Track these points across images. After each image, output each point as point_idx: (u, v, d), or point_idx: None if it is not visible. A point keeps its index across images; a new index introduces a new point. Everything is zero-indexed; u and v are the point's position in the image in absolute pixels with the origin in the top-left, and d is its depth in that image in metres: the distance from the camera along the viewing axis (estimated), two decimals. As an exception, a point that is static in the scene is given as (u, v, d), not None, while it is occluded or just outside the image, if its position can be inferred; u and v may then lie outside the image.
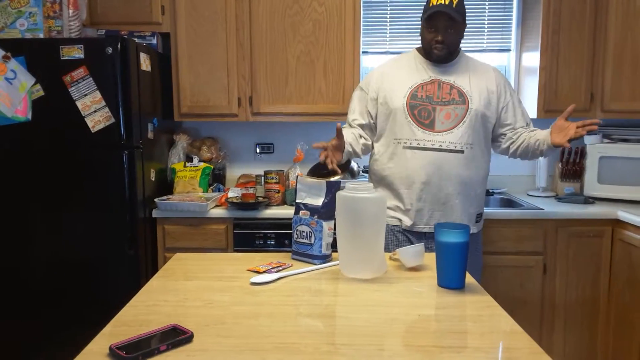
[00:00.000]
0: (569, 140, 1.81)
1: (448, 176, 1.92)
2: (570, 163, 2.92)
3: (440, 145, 1.92)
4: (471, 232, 1.82)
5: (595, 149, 2.77)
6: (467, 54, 2.07)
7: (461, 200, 1.96)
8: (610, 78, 2.68)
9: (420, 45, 2.02)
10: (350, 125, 2.09)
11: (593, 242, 2.48)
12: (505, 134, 2.03)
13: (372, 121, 2.04)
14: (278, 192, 2.65)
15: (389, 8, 3.05)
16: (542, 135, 1.94)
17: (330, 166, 1.85)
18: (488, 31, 3.07)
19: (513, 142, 2.02)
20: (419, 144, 1.93)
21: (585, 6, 2.66)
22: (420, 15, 1.97)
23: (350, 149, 1.98)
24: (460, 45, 2.02)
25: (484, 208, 2.13)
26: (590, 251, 2.48)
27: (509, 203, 2.84)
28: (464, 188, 1.95)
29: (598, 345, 2.53)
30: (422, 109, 1.94)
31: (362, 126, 2.06)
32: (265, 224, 2.52)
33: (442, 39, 1.90)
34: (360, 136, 2.05)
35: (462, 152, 1.93)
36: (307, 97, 2.74)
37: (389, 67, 2.07)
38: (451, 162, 1.92)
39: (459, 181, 1.94)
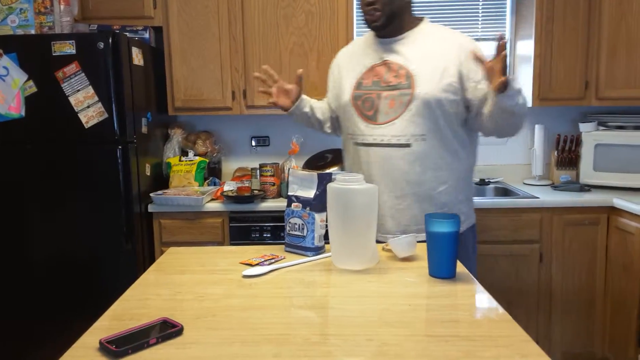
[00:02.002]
0: (503, 74, 1.45)
1: (393, 175, 1.66)
2: (566, 151, 2.92)
3: (382, 140, 1.66)
4: None
5: (591, 136, 2.77)
6: (433, 24, 1.76)
7: (415, 201, 1.68)
8: (604, 65, 2.67)
9: None
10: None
11: (589, 230, 2.49)
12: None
13: (330, 114, 1.92)
14: (274, 184, 2.65)
15: (382, -2, 3.03)
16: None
17: (267, 101, 1.77)
18: (482, 20, 3.06)
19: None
20: (364, 139, 1.70)
21: (579, -7, 2.65)
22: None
23: (309, 110, 1.86)
24: (421, 17, 1.75)
25: (473, 199, 1.84)
26: (586, 239, 2.49)
27: (504, 192, 2.85)
28: (417, 188, 1.67)
29: (595, 333, 2.54)
30: (366, 99, 1.70)
31: (324, 106, 1.93)
32: (261, 216, 2.52)
33: (372, 0, 1.62)
34: (319, 107, 1.91)
35: (408, 145, 1.64)
36: (301, 89, 2.73)
37: (345, 53, 1.88)
38: (396, 158, 1.66)
39: (407, 180, 1.66)
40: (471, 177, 1.80)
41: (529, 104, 2.73)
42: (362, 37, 1.85)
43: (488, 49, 3.06)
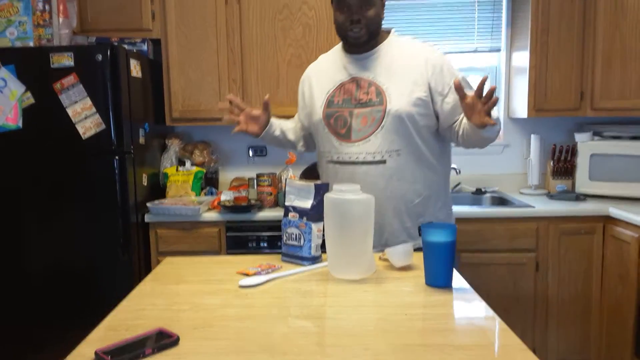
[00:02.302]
0: (488, 114, 1.46)
1: (371, 192, 1.51)
2: (562, 161, 2.94)
3: (357, 158, 1.65)
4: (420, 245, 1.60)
5: (587, 146, 2.79)
6: (400, 36, 1.76)
7: (394, 216, 1.67)
8: (599, 76, 2.70)
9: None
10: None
11: (585, 239, 2.50)
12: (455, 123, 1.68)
13: (302, 132, 1.91)
14: (271, 194, 2.65)
15: (378, 10, 3.05)
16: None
17: (235, 129, 1.73)
18: (478, 32, 3.09)
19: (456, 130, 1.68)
20: (338, 157, 1.69)
21: (573, 5, 2.68)
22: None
23: (279, 134, 1.85)
24: (389, 29, 1.74)
25: (452, 207, 1.83)
26: (582, 248, 2.50)
27: (501, 201, 2.86)
28: (394, 202, 1.66)
29: (591, 341, 2.54)
30: (338, 117, 1.69)
31: (293, 125, 1.92)
32: (258, 226, 2.52)
33: (358, 17, 1.60)
34: (287, 128, 1.90)
35: (383, 162, 1.64)
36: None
37: (313, 70, 1.86)
38: (373, 176, 1.64)
39: (386, 196, 1.64)
40: (447, 186, 1.82)
41: (524, 114, 2.75)
42: (330, 53, 1.84)
43: (483, 60, 3.11)
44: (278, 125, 1.87)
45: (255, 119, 1.77)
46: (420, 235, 1.62)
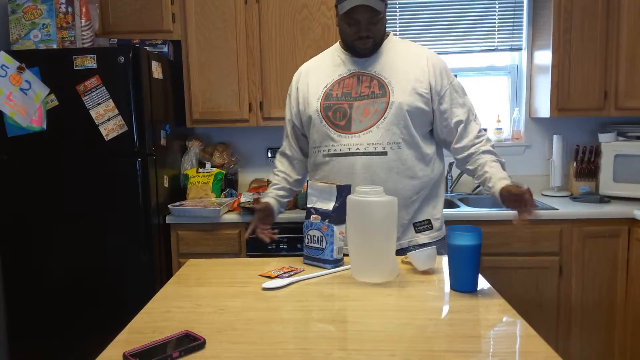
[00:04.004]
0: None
1: (367, 184, 1.61)
2: (585, 162, 2.89)
3: (358, 149, 1.65)
4: (416, 243, 1.71)
5: (611, 147, 2.74)
6: (399, 38, 1.80)
7: None
8: (624, 75, 2.64)
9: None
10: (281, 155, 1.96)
11: (609, 242, 2.45)
12: (451, 132, 1.72)
13: (298, 144, 1.91)
14: (290, 196, 2.65)
15: (397, 10, 3.04)
16: (492, 180, 1.65)
17: (267, 240, 1.77)
18: (499, 30, 3.05)
19: (468, 162, 1.72)
20: (336, 149, 1.68)
21: (597, 3, 2.63)
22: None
23: (285, 193, 1.89)
24: (386, 30, 1.77)
25: (441, 211, 1.81)
26: (606, 251, 2.45)
27: (523, 203, 2.81)
28: (393, 195, 1.56)
29: (616, 348, 2.49)
30: (337, 109, 1.69)
31: (288, 157, 1.93)
32: (278, 228, 2.50)
33: (366, 34, 1.64)
34: (286, 180, 1.91)
35: (384, 153, 1.65)
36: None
37: (308, 67, 1.86)
38: (373, 167, 1.65)
39: (385, 189, 1.54)
40: (442, 185, 1.82)
41: (547, 114, 2.71)
42: (327, 52, 1.85)
43: (504, 59, 3.07)
44: (277, 200, 1.87)
45: (263, 220, 1.83)
46: (416, 232, 1.74)
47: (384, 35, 1.74)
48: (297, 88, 1.84)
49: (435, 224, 1.78)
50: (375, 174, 1.65)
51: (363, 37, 1.65)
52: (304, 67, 1.87)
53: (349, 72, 1.73)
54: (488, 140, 1.74)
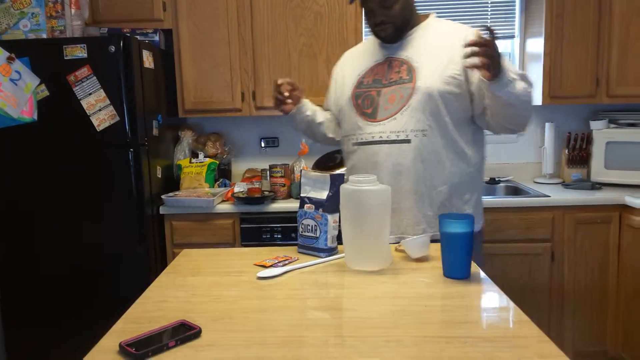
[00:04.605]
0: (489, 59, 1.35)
1: (394, 173, 1.58)
2: (577, 149, 2.91)
3: (381, 137, 1.59)
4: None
5: (602, 134, 2.76)
6: (440, 19, 1.71)
7: (416, 201, 1.60)
8: (615, 62, 2.66)
9: None
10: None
11: (601, 228, 2.48)
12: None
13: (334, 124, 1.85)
14: (284, 185, 2.65)
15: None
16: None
17: (285, 93, 1.69)
18: (492, 18, 3.05)
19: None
20: (362, 138, 1.64)
21: (589, -10, 2.64)
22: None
23: (311, 113, 1.79)
24: (427, 13, 1.70)
25: (482, 198, 1.71)
26: (598, 237, 2.48)
27: (515, 191, 2.84)
28: (417, 186, 1.59)
29: (608, 332, 2.53)
30: (366, 96, 1.65)
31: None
32: (272, 217, 2.53)
33: (380, 19, 1.60)
34: (321, 113, 1.83)
35: (408, 141, 1.57)
36: (310, 90, 2.73)
37: (348, 56, 1.84)
38: (396, 156, 1.58)
39: (408, 178, 1.59)
40: (479, 178, 1.69)
41: (539, 102, 2.71)
42: (370, 37, 1.79)
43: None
44: (310, 106, 1.81)
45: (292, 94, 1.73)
46: None
47: (410, 19, 1.64)
48: (336, 77, 1.82)
49: None
50: (399, 162, 1.58)
51: (378, 23, 1.61)
52: (345, 55, 1.85)
53: (384, 57, 1.67)
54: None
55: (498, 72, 1.38)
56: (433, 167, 1.58)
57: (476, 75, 1.53)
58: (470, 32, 1.58)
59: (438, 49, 1.59)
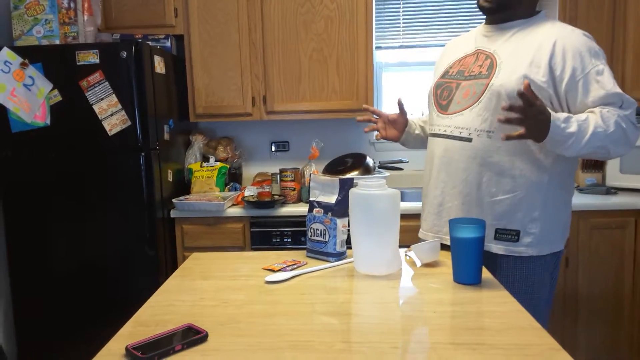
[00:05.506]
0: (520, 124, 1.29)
1: (449, 170, 1.52)
2: (591, 154, 2.86)
3: (445, 131, 1.53)
4: (488, 250, 1.45)
5: (617, 138, 2.71)
6: (545, 19, 1.52)
7: (459, 205, 1.51)
8: (630, 67, 2.62)
9: None
10: None
11: (616, 234, 2.43)
12: None
13: None
14: (294, 189, 2.65)
15: (401, 1, 3.02)
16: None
17: (379, 136, 1.71)
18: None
19: None
20: (433, 129, 1.60)
21: (603, -7, 2.60)
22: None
23: (420, 132, 1.77)
24: (539, 10, 1.55)
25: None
26: (613, 243, 2.43)
27: (528, 196, 2.80)
28: (469, 189, 1.49)
29: (622, 340, 2.48)
30: (445, 87, 1.58)
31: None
32: (282, 221, 2.52)
33: None
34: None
35: (469, 140, 1.47)
36: (320, 94, 2.74)
37: (450, 44, 1.75)
38: (454, 153, 1.50)
39: (461, 178, 1.50)
40: (561, 194, 1.48)
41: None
42: (473, 29, 1.69)
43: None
44: (417, 124, 1.79)
45: (393, 122, 1.75)
46: (494, 239, 1.46)
47: (520, 2, 1.50)
48: (435, 67, 1.75)
49: (525, 239, 1.45)
50: (453, 160, 1.50)
51: None
52: (445, 45, 1.77)
53: (474, 49, 1.58)
54: (621, 109, 1.39)
55: (544, 134, 1.30)
56: (493, 171, 1.46)
57: (571, 91, 1.40)
58: (567, 34, 1.44)
59: (527, 49, 1.44)
